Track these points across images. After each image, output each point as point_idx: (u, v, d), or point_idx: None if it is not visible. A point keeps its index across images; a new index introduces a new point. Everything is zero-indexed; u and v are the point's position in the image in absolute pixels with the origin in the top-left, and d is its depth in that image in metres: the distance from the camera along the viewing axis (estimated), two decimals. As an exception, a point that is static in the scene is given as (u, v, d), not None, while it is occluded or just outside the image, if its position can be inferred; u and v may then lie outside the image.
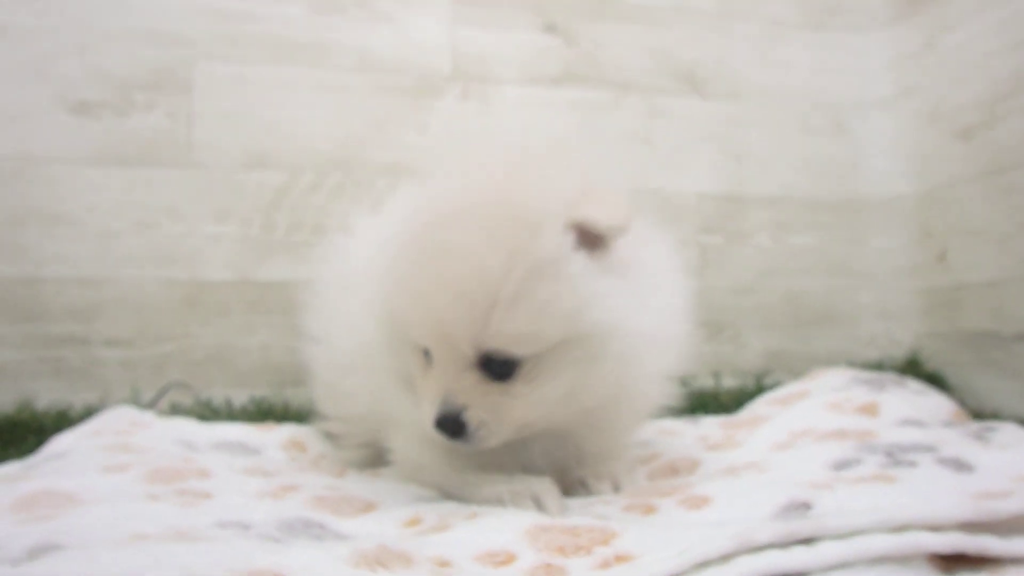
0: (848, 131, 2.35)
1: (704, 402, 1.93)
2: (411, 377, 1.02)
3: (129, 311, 1.83)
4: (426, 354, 0.98)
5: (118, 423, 1.38)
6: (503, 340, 0.91)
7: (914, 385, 1.51)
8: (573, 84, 2.16)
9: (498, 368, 0.94)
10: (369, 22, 2.03)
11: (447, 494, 1.06)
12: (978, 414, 1.85)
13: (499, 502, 0.97)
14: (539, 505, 0.96)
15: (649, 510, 0.95)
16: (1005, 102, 1.93)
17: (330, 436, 1.45)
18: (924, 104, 2.19)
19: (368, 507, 0.99)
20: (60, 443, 1.29)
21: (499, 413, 0.95)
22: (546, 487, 0.99)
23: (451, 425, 0.94)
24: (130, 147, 1.86)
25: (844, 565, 0.68)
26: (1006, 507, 0.75)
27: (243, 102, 1.93)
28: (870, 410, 1.36)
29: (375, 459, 1.33)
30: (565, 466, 1.09)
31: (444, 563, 0.76)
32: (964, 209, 2.04)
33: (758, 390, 1.96)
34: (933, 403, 1.46)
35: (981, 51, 1.99)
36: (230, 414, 1.75)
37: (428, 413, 0.96)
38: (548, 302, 0.90)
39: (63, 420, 1.63)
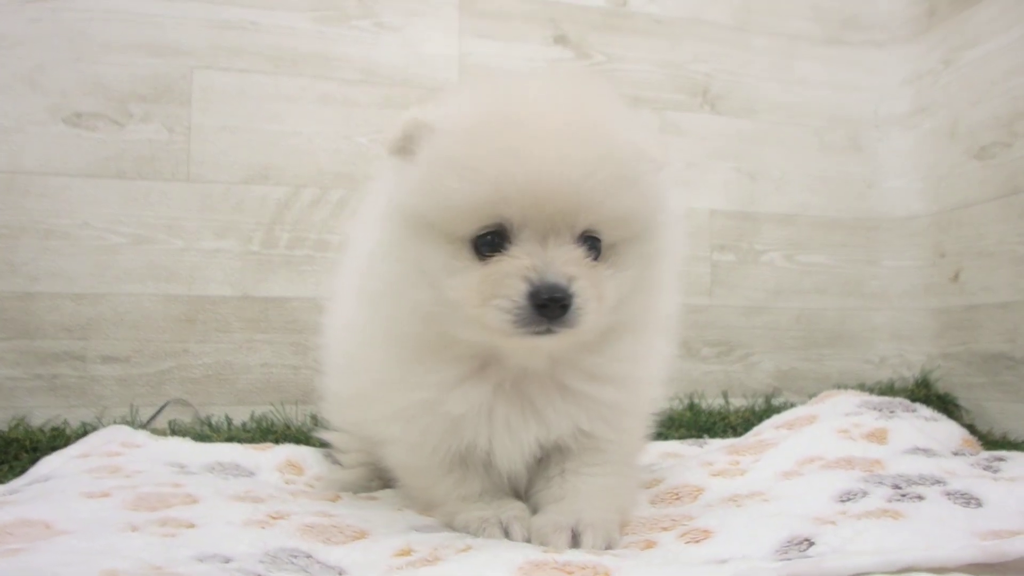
0: (864, 149, 2.32)
1: (712, 422, 1.90)
2: (429, 306, 0.91)
3: (126, 327, 1.82)
4: (480, 244, 0.88)
5: (109, 444, 1.36)
6: (612, 214, 0.87)
7: (925, 411, 1.48)
8: (582, 98, 2.13)
9: (589, 249, 0.88)
10: (375, 33, 2.01)
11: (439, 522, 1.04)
12: (988, 436, 1.82)
13: (467, 530, 0.96)
14: (507, 533, 0.95)
15: (649, 545, 0.93)
16: None
17: (332, 452, 1.44)
18: (941, 122, 2.16)
19: (359, 535, 0.97)
20: (46, 465, 1.27)
21: (600, 289, 0.87)
22: (515, 514, 0.98)
23: (559, 297, 0.83)
24: (127, 160, 1.84)
25: (845, 608, 0.65)
26: (1013, 549, 0.73)
27: (243, 114, 1.91)
28: (879, 437, 1.33)
29: (370, 482, 1.33)
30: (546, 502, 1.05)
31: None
32: (979, 230, 2.01)
33: (767, 411, 1.94)
34: (944, 430, 1.43)
35: (1000, 69, 1.96)
36: (230, 432, 1.73)
37: (515, 290, 0.84)
38: (649, 186, 0.91)
39: (58, 438, 1.62)
